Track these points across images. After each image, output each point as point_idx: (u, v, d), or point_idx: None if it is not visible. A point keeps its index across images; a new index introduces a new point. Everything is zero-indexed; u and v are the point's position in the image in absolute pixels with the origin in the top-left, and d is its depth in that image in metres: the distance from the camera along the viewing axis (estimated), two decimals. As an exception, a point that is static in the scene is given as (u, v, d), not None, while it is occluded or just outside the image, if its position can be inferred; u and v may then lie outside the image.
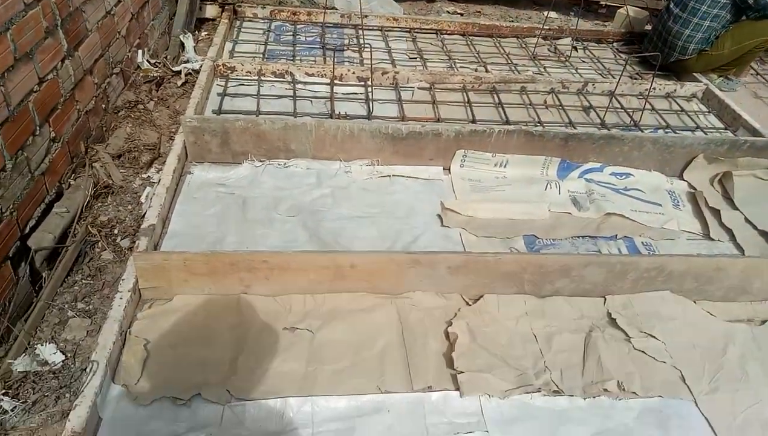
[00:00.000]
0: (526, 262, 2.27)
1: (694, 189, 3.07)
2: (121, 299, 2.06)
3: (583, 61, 4.40)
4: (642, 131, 3.42)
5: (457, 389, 1.97)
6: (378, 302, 2.27)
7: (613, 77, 3.98)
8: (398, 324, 2.18)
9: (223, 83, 3.48)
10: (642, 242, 2.69)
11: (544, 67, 4.18)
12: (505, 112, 3.42)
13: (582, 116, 3.59)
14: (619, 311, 2.29)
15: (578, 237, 2.70)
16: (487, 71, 3.93)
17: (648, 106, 3.66)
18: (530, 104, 3.59)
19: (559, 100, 3.66)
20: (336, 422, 1.85)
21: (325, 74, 3.59)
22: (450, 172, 3.02)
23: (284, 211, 2.70)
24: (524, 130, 3.01)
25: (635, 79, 4.07)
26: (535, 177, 3.02)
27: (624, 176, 3.07)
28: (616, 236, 2.70)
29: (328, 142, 2.96)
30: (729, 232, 2.79)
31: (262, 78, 3.56)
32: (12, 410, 1.77)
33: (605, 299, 2.35)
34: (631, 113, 3.61)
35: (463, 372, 1.99)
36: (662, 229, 2.77)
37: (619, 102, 3.70)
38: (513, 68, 4.08)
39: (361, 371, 2.01)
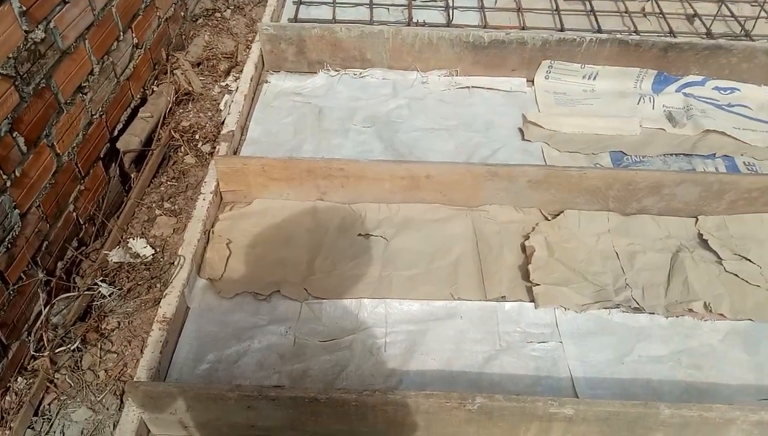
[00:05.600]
0: (612, 177, 2.15)
1: (810, 107, 2.76)
2: (203, 200, 2.13)
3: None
4: (754, 41, 3.07)
5: (532, 300, 1.94)
6: (453, 213, 2.23)
7: (724, -19, 3.55)
8: (473, 236, 2.15)
9: (299, -9, 3.39)
10: (744, 162, 2.47)
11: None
12: (597, 21, 3.15)
13: (685, 25, 3.26)
14: (711, 233, 2.14)
15: (671, 155, 2.51)
16: (578, -24, 3.61)
17: (763, 13, 3.27)
18: (626, 12, 3.29)
19: (659, 6, 3.33)
20: (409, 324, 1.88)
21: (403, -20, 3.42)
22: (534, 84, 2.86)
23: (359, 121, 2.66)
24: (618, 39, 2.77)
25: (749, -16, 3.62)
26: (627, 90, 2.80)
27: (729, 91, 2.79)
28: (715, 154, 2.50)
29: (405, 51, 2.85)
30: None
31: (339, -15, 3.43)
32: (110, 296, 1.91)
33: (697, 220, 2.20)
34: (742, 22, 3.24)
35: (538, 285, 1.95)
36: (768, 148, 2.53)
37: (729, 9, 3.32)
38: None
39: (435, 278, 2.01)
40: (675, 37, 3.07)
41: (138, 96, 2.60)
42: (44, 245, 1.94)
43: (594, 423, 1.48)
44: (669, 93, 2.78)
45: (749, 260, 2.06)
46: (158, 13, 2.79)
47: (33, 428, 1.65)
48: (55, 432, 1.63)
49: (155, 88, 2.69)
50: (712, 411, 1.45)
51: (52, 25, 1.95)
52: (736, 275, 2.02)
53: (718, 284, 1.99)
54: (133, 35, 2.55)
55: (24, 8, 1.80)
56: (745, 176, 2.13)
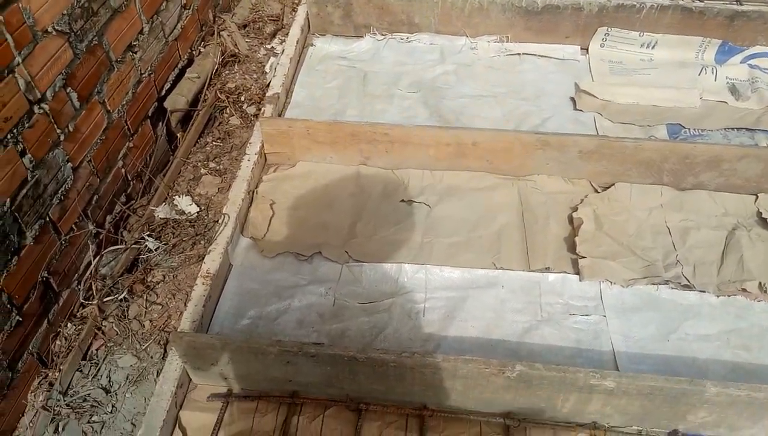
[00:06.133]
0: (669, 150, 2.05)
1: None
2: (248, 160, 2.15)
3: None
4: (829, 11, 2.86)
5: (577, 273, 1.89)
6: (499, 182, 2.18)
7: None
8: (519, 205, 2.10)
9: (347, -47, 3.33)
10: (811, 139, 2.33)
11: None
12: (658, -13, 2.99)
13: (753, -7, 3.06)
14: (772, 211, 2.04)
15: (732, 129, 2.39)
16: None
17: (841, -19, 3.04)
18: (690, -22, 3.11)
19: (726, -27, 3.14)
20: (449, 290, 1.86)
21: (454, -57, 3.32)
22: (588, 53, 2.75)
23: (405, 87, 2.62)
24: (681, 5, 2.63)
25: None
26: (688, 60, 2.66)
27: (798, 63, 2.63)
28: (780, 130, 2.36)
29: (455, 15, 2.78)
30: None
31: (388, -52, 3.36)
32: (156, 250, 1.95)
33: (757, 197, 2.10)
34: (817, -10, 3.02)
35: (584, 257, 1.90)
36: (840, 125, 2.37)
37: (803, -24, 3.10)
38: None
39: (477, 246, 1.98)
40: (742, 4, 2.88)
41: (185, 56, 2.62)
42: (94, 198, 1.99)
43: (636, 397, 1.44)
44: (733, 64, 2.63)
45: (812, 241, 1.95)
46: (207, -26, 2.79)
47: (81, 371, 1.71)
48: (101, 376, 1.70)
49: (202, 49, 2.70)
50: (761, 391, 1.39)
51: (104, -18, 1.97)
52: (796, 256, 1.92)
53: (776, 265, 1.90)
54: (182, -5, 2.56)
55: (79, -35, 1.82)
56: (814, 152, 2.00)
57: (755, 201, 2.09)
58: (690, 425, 1.53)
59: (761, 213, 2.04)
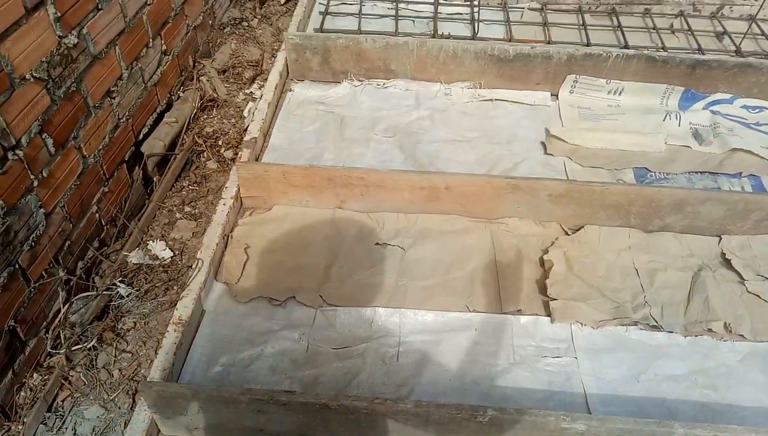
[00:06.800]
0: (635, 193, 2.12)
1: (842, 126, 2.69)
2: (224, 205, 2.16)
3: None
4: (784, 60, 3.01)
5: (548, 315, 1.91)
6: (471, 225, 2.22)
7: None
8: (491, 248, 2.13)
9: (325, 2, 3.43)
10: (771, 182, 2.42)
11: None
12: (624, 36, 3.12)
13: (714, 42, 3.21)
14: (734, 252, 2.10)
15: (696, 172, 2.47)
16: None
17: (794, 32, 3.21)
18: (654, 28, 3.26)
19: (688, 24, 3.29)
20: (423, 334, 1.87)
21: (429, -7, 3.44)
22: (558, 99, 2.84)
23: (381, 131, 2.68)
24: (645, 55, 2.75)
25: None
26: (654, 107, 2.77)
27: (757, 110, 2.74)
28: (741, 173, 2.45)
29: (430, 62, 2.86)
30: None
31: (365, -3, 3.48)
32: (127, 296, 1.93)
33: (720, 239, 2.16)
34: (773, 40, 3.18)
35: (555, 299, 1.93)
36: (798, 168, 2.47)
37: (760, 28, 3.27)
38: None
39: (451, 289, 2.00)
40: (703, 54, 3.03)
41: (164, 101, 2.65)
42: (66, 244, 1.97)
43: (607, 441, 1.45)
44: (696, 110, 2.74)
45: (774, 282, 2.01)
46: (187, 21, 2.85)
47: (46, 423, 1.67)
48: (67, 429, 1.65)
49: (181, 94, 2.74)
50: (727, 432, 1.41)
51: (84, 30, 2.00)
52: (758, 295, 1.98)
53: (739, 305, 1.95)
54: (162, 42, 2.60)
55: (59, 14, 1.85)
56: (772, 196, 2.08)
57: (719, 242, 2.16)
58: (661, 468, 1.54)
59: (725, 254, 2.11)
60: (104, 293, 1.93)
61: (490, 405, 1.45)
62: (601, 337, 1.88)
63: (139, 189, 2.41)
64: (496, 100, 2.83)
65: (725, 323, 1.90)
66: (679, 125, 2.67)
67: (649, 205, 2.13)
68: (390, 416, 1.46)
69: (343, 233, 2.18)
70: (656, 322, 1.90)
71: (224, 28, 3.23)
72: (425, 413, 1.44)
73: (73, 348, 1.79)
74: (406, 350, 1.84)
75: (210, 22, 3.12)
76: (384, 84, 2.91)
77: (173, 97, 2.73)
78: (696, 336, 1.89)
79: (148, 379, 1.60)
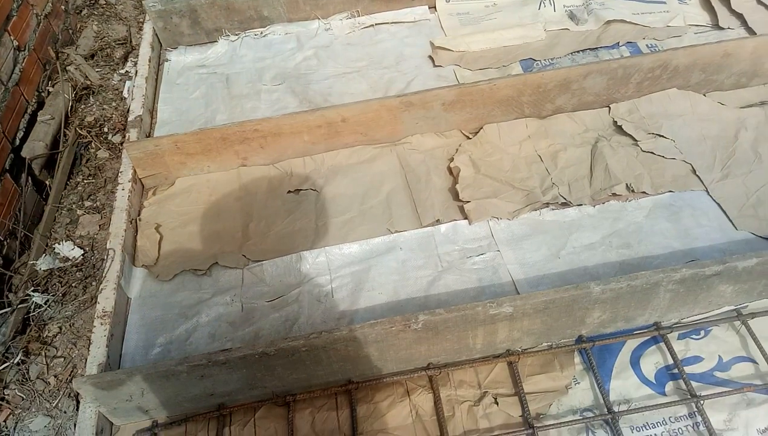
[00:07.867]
0: (522, 83, 2.17)
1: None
2: (123, 190, 2.08)
3: None
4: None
5: (465, 218, 1.98)
6: (377, 152, 2.23)
7: None
8: (400, 169, 2.16)
9: (182, -40, 3.24)
10: (647, 45, 2.54)
11: None
12: (487, -65, 3.12)
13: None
14: (624, 118, 2.21)
15: (578, 52, 2.56)
16: None
17: None
18: None
19: None
20: (351, 265, 1.90)
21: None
22: (436, 10, 2.84)
23: (269, 80, 2.61)
24: (509, -53, 2.77)
25: None
26: (527, -2, 2.82)
27: (623, -20, 2.84)
28: (618, 43, 2.55)
29: (302, 1, 2.78)
30: (740, 17, 2.59)
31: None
32: (45, 304, 1.86)
33: (609, 108, 2.27)
34: None
35: (469, 202, 1.99)
36: (667, 27, 2.59)
37: None
38: None
39: (370, 217, 2.02)
40: (565, -64, 3.07)
41: (33, 100, 2.48)
42: (-35, 269, 1.87)
43: (534, 315, 1.54)
44: (567, -8, 2.81)
45: (662, 136, 2.14)
46: (35, 11, 2.63)
47: (-6, 448, 1.62)
48: (16, 446, 1.62)
49: (51, 89, 2.57)
50: (638, 279, 1.52)
51: None
52: (652, 152, 2.11)
53: (637, 165, 2.07)
54: (12, 37, 2.41)
55: None
56: (645, 57, 2.18)
57: (609, 112, 2.26)
58: (591, 328, 1.66)
59: (616, 121, 2.22)
60: (20, 306, 1.84)
61: (420, 312, 1.50)
62: (518, 226, 1.96)
63: (33, 195, 2.27)
64: (377, 24, 2.81)
65: (627, 185, 2.01)
66: (555, 10, 2.74)
67: (538, 92, 2.19)
68: (329, 347, 1.49)
69: (252, 190, 2.15)
70: (565, 199, 2.00)
71: (81, 11, 3.02)
72: (362, 335, 1.48)
73: (1, 368, 1.72)
74: (339, 285, 1.87)
75: (63, 7, 2.90)
76: (261, 33, 2.82)
77: (42, 93, 2.55)
78: (603, 203, 2.00)
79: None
